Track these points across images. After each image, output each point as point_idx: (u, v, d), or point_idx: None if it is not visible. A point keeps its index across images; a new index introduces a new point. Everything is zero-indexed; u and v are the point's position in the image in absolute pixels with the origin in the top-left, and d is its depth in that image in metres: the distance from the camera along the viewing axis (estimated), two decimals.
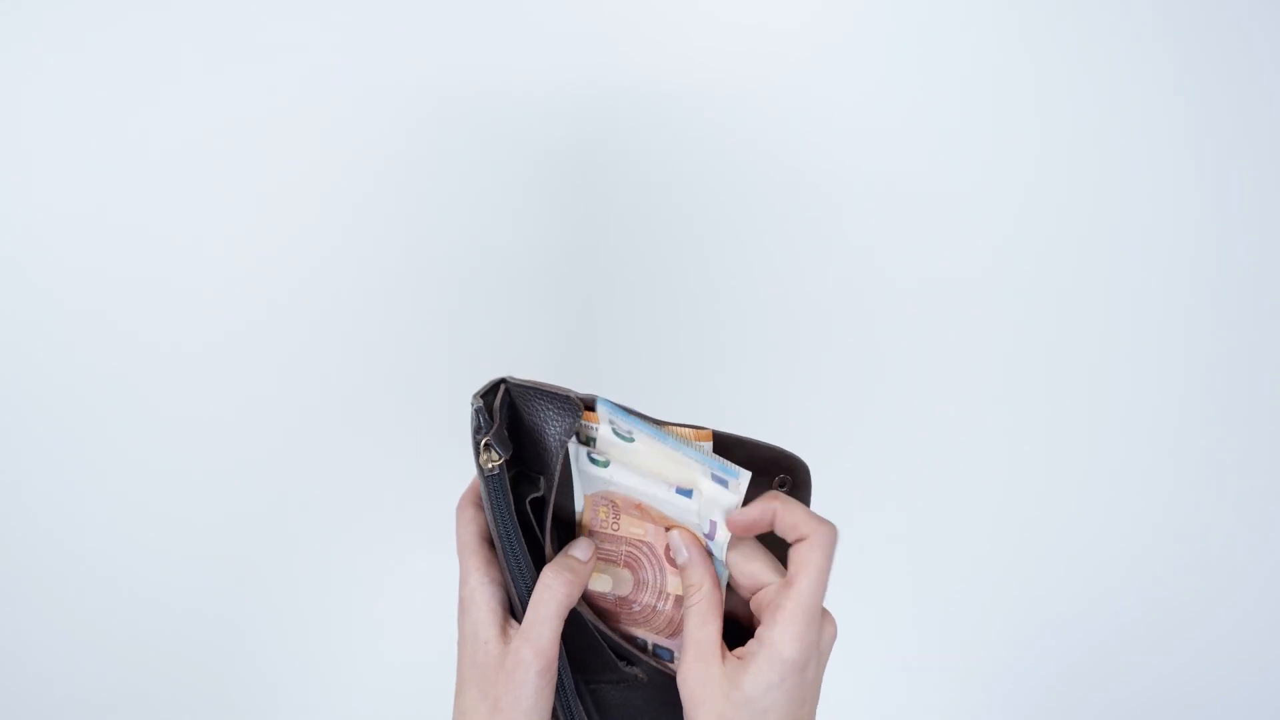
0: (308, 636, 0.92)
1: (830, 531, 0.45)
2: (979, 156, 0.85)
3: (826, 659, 0.47)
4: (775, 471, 0.49)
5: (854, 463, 0.90)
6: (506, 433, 0.47)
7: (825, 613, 0.46)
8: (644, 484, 0.48)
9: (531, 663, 0.46)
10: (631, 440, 0.48)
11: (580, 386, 0.56)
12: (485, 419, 0.46)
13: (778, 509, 0.46)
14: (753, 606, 0.48)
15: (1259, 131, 0.85)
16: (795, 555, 0.45)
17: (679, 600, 0.50)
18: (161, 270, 0.84)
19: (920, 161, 0.85)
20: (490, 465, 0.46)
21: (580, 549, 0.50)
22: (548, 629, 0.47)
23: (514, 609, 0.49)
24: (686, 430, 0.48)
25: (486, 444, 0.46)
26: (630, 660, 0.51)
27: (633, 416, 0.48)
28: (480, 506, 0.51)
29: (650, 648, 0.52)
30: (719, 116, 0.84)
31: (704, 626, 0.46)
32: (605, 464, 0.48)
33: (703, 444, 0.48)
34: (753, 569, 0.47)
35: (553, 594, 0.47)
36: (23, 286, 0.83)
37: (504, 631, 0.48)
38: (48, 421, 0.85)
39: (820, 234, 0.86)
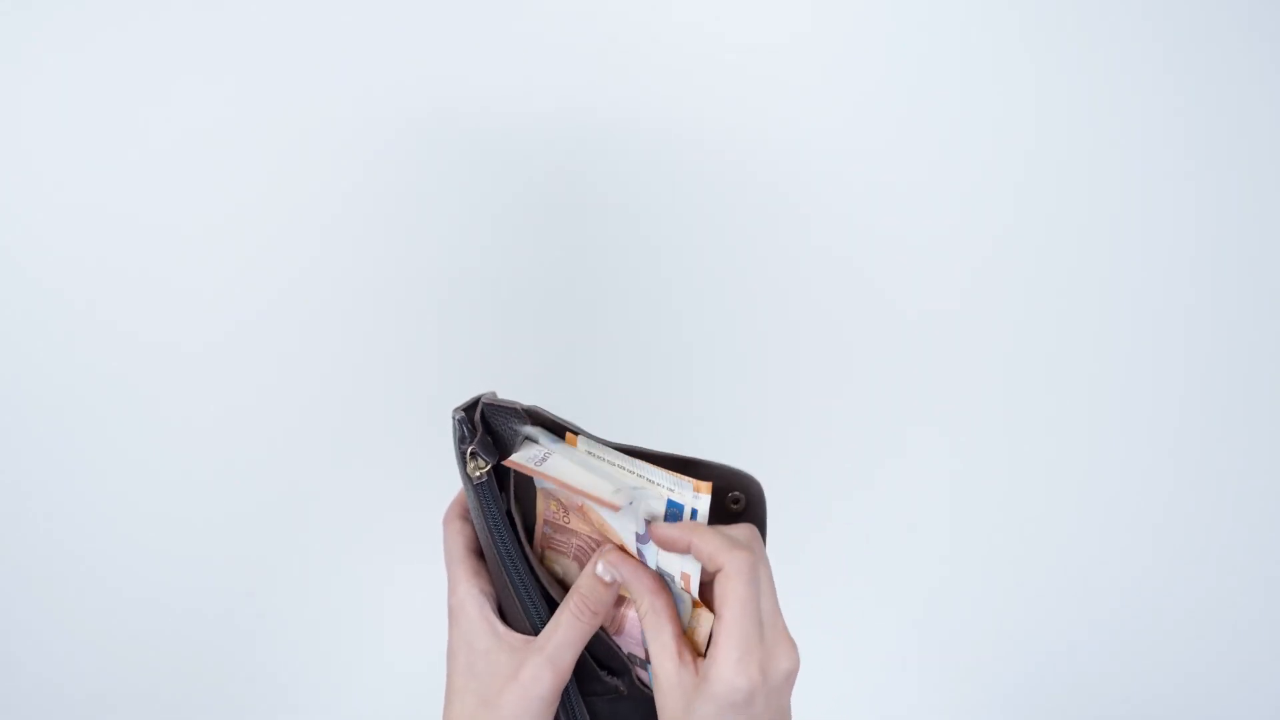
0: (309, 639, 0.92)
1: (742, 557, 0.44)
2: (969, 164, 0.85)
3: (785, 692, 0.45)
4: (728, 490, 0.50)
5: (856, 463, 0.91)
6: (491, 439, 0.48)
7: (782, 643, 0.45)
8: (580, 478, 0.47)
9: (550, 681, 0.48)
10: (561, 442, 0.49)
11: (571, 402, 0.56)
12: (469, 429, 0.47)
13: (693, 541, 0.45)
14: None
15: (1259, 136, 0.85)
16: (717, 589, 0.44)
17: (621, 601, 0.50)
18: (165, 274, 0.84)
19: (911, 172, 0.85)
20: (478, 473, 0.47)
21: (605, 570, 0.49)
22: (570, 653, 0.48)
23: (504, 615, 0.51)
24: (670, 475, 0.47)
25: (473, 453, 0.47)
26: (612, 670, 0.52)
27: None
28: (466, 519, 0.52)
29: None
30: (704, 132, 0.84)
31: (657, 637, 0.46)
32: (543, 460, 0.48)
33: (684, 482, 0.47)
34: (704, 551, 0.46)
35: (580, 623, 0.48)
36: (23, 286, 0.83)
37: (500, 639, 0.49)
38: (48, 422, 0.85)
39: (818, 240, 0.87)
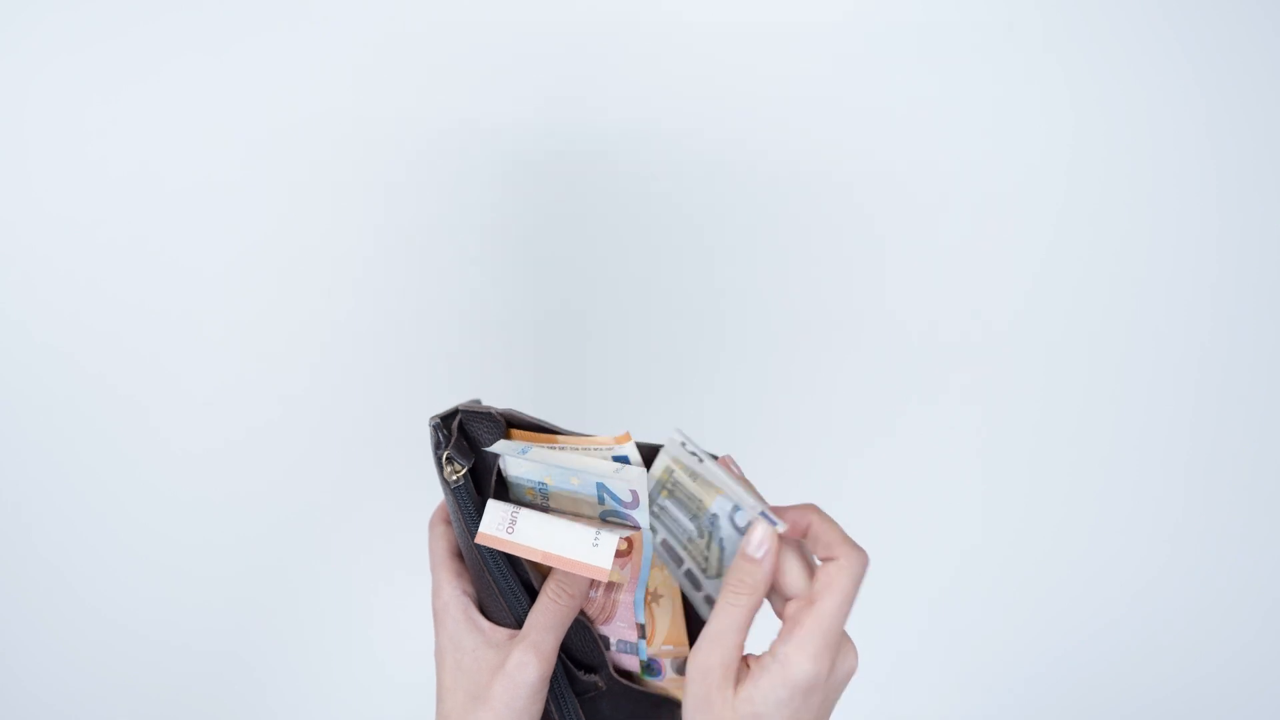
0: (303, 645, 0.92)
1: (862, 558, 0.45)
2: (973, 162, 0.85)
3: (840, 691, 0.47)
4: None
5: (854, 466, 0.90)
6: (466, 443, 0.50)
7: (847, 641, 0.46)
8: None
9: (535, 667, 0.49)
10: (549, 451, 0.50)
11: (566, 409, 0.55)
12: (444, 434, 0.49)
13: (814, 521, 0.47)
14: (782, 616, 0.48)
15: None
16: (822, 575, 0.45)
17: (610, 587, 0.51)
18: (165, 292, 0.84)
19: (911, 170, 0.85)
20: (455, 477, 0.49)
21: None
22: (552, 636, 0.49)
23: (486, 612, 0.52)
24: (603, 439, 0.49)
25: (448, 457, 0.49)
26: (588, 667, 0.53)
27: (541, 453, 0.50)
28: (449, 523, 0.54)
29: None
30: (700, 133, 0.84)
31: (736, 633, 0.46)
32: (525, 450, 0.50)
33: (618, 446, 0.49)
34: (791, 576, 0.47)
35: (558, 606, 0.50)
36: (28, 304, 0.83)
37: (485, 636, 0.51)
38: (49, 446, 0.85)
39: (813, 244, 0.86)
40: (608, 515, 0.50)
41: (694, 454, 0.48)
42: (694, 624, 0.52)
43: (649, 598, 0.52)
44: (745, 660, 0.46)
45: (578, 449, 0.49)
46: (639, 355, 0.88)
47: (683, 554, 0.49)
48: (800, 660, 0.44)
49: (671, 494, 0.49)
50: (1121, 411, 0.89)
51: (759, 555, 0.47)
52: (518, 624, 0.51)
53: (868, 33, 0.83)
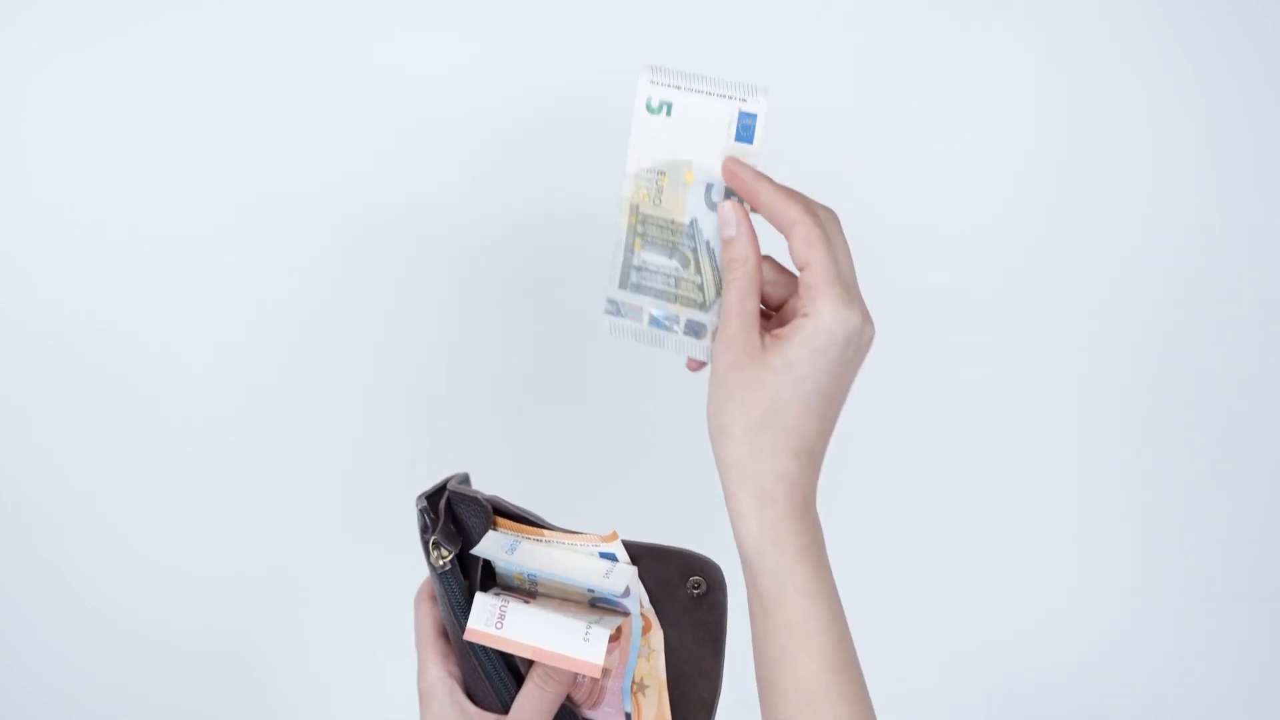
0: (303, 652, 0.91)
1: (816, 213, 0.45)
2: (970, 167, 0.85)
3: (861, 359, 0.46)
4: (687, 575, 0.50)
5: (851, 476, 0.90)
6: (454, 527, 0.49)
7: (866, 314, 0.45)
8: (552, 559, 0.49)
9: None
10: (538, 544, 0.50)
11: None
12: (430, 518, 0.49)
13: (761, 189, 0.45)
14: (785, 316, 0.47)
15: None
16: (796, 243, 0.44)
17: (602, 673, 0.51)
18: (167, 291, 0.84)
19: (914, 177, 0.85)
20: (441, 562, 0.48)
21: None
22: None
23: (471, 695, 0.52)
24: (590, 535, 0.49)
25: (435, 542, 0.48)
26: None
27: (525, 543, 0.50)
28: (434, 599, 0.53)
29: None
30: None
31: (746, 300, 0.46)
32: (513, 548, 0.50)
33: (605, 545, 0.49)
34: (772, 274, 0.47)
35: (544, 693, 0.49)
36: (30, 305, 0.83)
37: None
38: (49, 445, 0.85)
39: None
40: (597, 601, 0.50)
41: (661, 105, 0.45)
42: (679, 715, 0.52)
43: (635, 688, 0.51)
44: (772, 334, 0.45)
45: (564, 544, 0.49)
46: (631, 372, 0.88)
47: (675, 312, 0.47)
48: (829, 309, 0.43)
49: (644, 237, 0.47)
50: (1122, 412, 0.89)
51: (733, 233, 0.46)
52: (504, 709, 0.50)
53: (867, 21, 0.83)
